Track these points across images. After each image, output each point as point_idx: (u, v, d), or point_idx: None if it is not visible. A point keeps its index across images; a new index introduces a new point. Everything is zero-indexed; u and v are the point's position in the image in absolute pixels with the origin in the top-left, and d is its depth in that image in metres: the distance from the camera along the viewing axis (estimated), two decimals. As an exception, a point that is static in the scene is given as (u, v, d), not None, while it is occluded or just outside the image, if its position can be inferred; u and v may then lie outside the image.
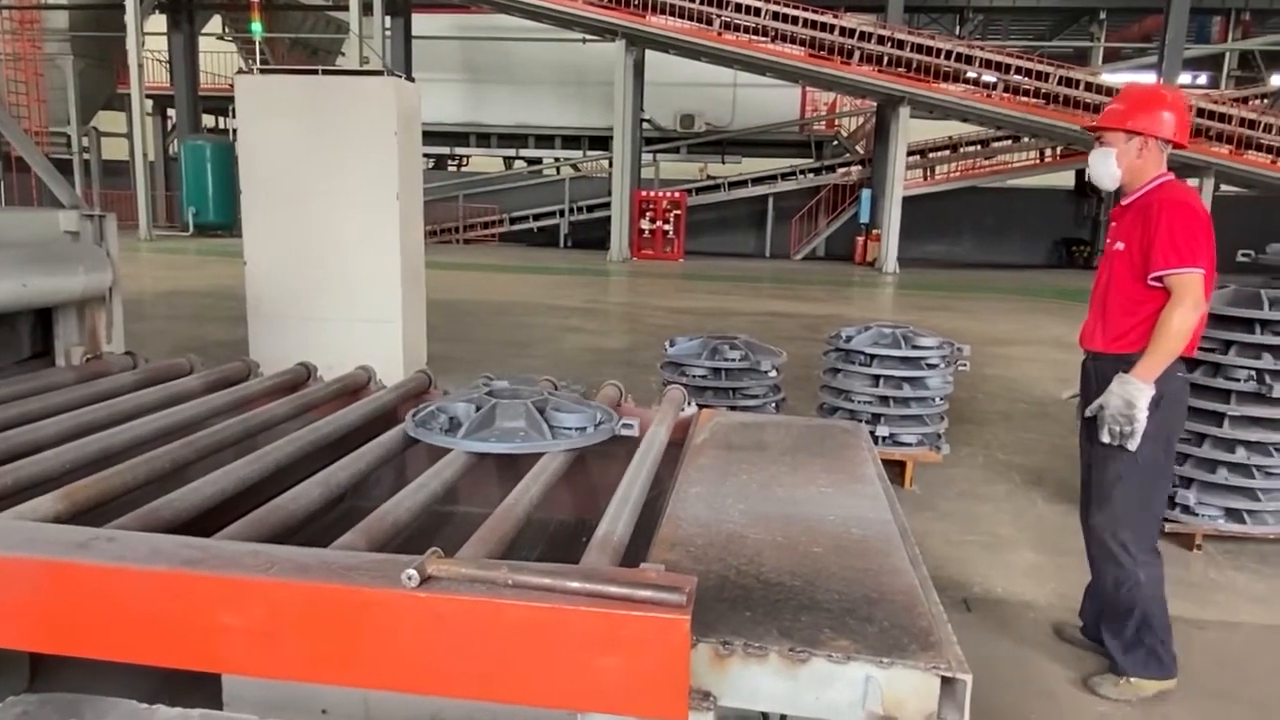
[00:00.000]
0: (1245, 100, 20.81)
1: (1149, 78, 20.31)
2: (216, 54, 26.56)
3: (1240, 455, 4.05)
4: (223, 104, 24.86)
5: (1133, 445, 2.69)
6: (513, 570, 1.23)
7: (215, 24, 26.25)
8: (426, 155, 24.26)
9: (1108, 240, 2.95)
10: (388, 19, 21.00)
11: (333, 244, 5.57)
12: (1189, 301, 2.64)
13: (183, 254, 18.36)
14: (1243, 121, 18.39)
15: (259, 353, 5.24)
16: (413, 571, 1.19)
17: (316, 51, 26.90)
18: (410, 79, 6.13)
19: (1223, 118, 18.40)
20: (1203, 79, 26.07)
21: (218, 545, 1.36)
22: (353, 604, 1.19)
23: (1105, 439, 2.73)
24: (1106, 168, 2.80)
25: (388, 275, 5.63)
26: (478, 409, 2.20)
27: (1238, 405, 4.02)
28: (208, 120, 26.60)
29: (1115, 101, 2.86)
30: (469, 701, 1.29)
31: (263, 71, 6.15)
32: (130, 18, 19.79)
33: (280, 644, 1.22)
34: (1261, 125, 18.28)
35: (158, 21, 23.42)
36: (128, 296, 3.25)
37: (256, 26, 9.25)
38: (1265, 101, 20.67)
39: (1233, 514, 4.13)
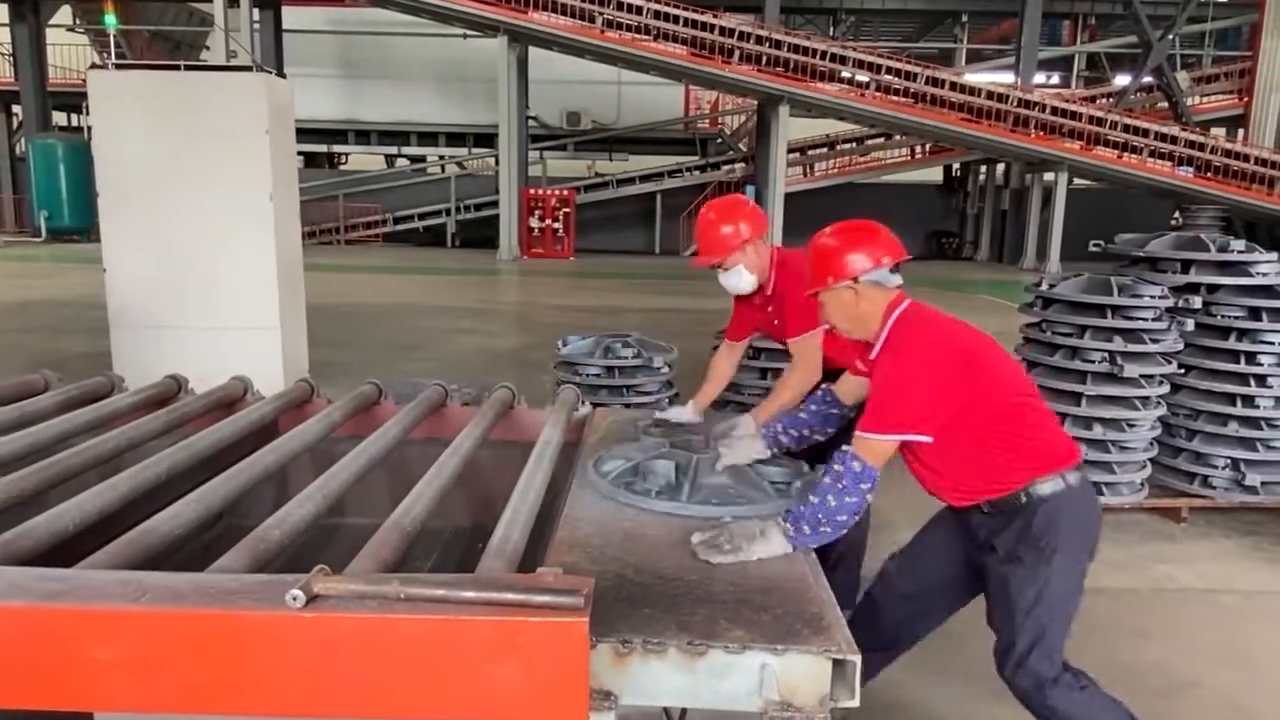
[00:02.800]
0: (1094, 99, 22.34)
1: (1007, 78, 21.55)
2: (67, 46, 24.79)
3: (1097, 432, 4.35)
4: (75, 100, 23.24)
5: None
6: (405, 583, 1.20)
7: (65, 15, 24.49)
8: (302, 153, 23.39)
9: None
10: (256, 12, 20.10)
11: (202, 248, 5.29)
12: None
13: (35, 261, 17.09)
14: (1091, 119, 19.72)
15: (124, 366, 4.93)
16: (298, 592, 1.15)
17: (179, 45, 25.46)
18: (281, 74, 5.89)
19: (1074, 115, 19.68)
20: (1055, 79, 27.87)
21: (82, 575, 1.28)
22: (233, 629, 1.14)
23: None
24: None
25: (263, 279, 5.39)
26: (678, 467, 2.11)
27: (1093, 385, 4.32)
28: (59, 118, 24.85)
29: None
30: (363, 721, 1.25)
31: (119, 66, 5.77)
32: (-35, 7, 18.27)
33: (156, 676, 1.15)
34: (1108, 123, 19.65)
35: (-2, 11, 21.72)
36: (-29, 310, 3.00)
37: (110, 19, 8.63)
38: (1111, 100, 22.23)
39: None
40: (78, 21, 24.88)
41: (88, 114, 6.65)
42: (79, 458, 1.94)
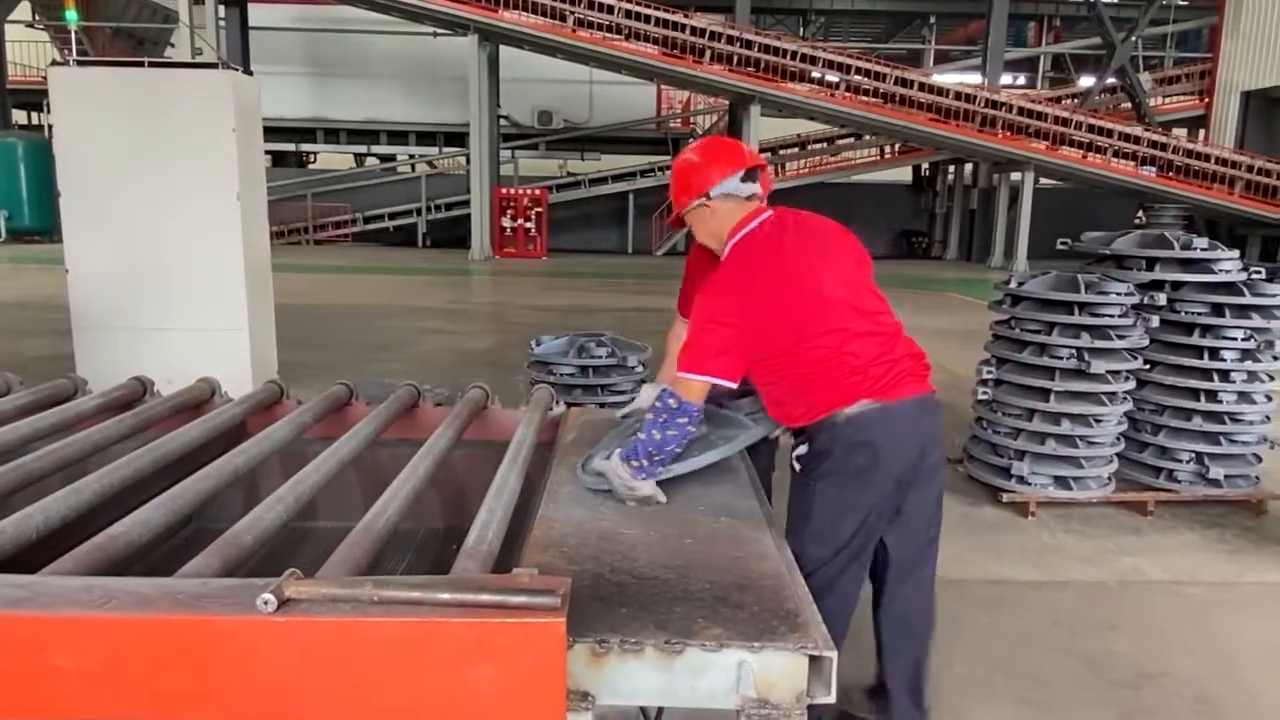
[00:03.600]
0: (1059, 100, 22.67)
1: (974, 78, 21.80)
2: (26, 43, 24.31)
3: (1065, 427, 4.41)
4: (36, 98, 22.77)
5: None
6: (378, 586, 1.18)
7: (24, 10, 23.97)
8: (269, 152, 23.10)
9: None
10: (221, 8, 19.84)
11: (168, 248, 5.21)
12: None
13: (-6, 262, 16.74)
14: (1057, 119, 20.01)
15: (87, 368, 4.84)
16: (269, 595, 1.12)
17: (143, 42, 25.02)
18: (248, 72, 5.81)
19: (1040, 116, 19.96)
20: (1021, 80, 28.26)
21: (45, 582, 1.24)
22: (202, 635, 1.12)
23: None
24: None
25: (230, 280, 5.31)
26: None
27: (1061, 381, 4.38)
28: (19, 116, 24.34)
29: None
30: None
31: (80, 63, 5.66)
32: (-81, 1, 17.82)
33: (123, 684, 1.13)
34: (1073, 123, 19.95)
35: (-47, 6, 21.19)
36: (-73, 311, 2.93)
37: (71, 15, 8.46)
38: (1076, 101, 22.56)
39: (1060, 481, 4.50)
40: (37, 17, 24.38)
41: (49, 112, 6.51)
42: (42, 462, 1.90)
